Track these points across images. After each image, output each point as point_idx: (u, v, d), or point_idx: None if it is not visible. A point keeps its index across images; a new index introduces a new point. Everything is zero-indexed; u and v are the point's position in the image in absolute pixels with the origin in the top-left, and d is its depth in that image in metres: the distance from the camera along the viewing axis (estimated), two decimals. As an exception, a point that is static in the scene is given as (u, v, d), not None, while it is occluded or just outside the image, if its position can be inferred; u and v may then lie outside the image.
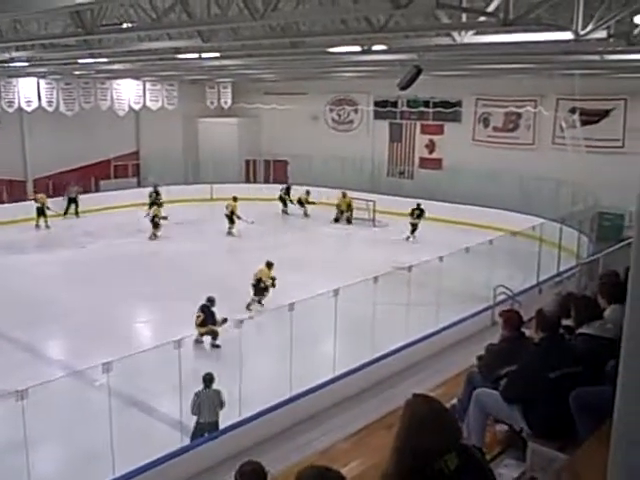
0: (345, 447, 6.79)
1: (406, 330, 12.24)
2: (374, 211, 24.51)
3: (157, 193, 25.57)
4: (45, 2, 6.66)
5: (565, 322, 5.38)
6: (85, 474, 7.69)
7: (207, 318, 12.93)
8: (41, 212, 23.88)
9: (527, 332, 5.87)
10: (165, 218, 22.48)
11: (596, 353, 4.79)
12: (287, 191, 26.99)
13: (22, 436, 7.39)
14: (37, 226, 23.82)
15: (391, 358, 11.34)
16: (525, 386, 4.85)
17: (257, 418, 9.29)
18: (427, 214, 22.35)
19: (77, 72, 21.78)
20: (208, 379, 9.29)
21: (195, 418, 9.23)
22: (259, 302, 15.21)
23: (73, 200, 25.91)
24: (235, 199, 23.67)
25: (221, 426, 9.20)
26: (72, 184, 26.18)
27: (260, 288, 15.24)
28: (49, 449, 7.94)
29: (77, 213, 25.87)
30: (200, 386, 9.25)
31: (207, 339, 13.06)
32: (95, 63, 17.00)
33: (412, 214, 22.25)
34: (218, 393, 9.24)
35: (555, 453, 4.48)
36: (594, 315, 5.23)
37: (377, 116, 28.38)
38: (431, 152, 27.21)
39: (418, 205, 22.45)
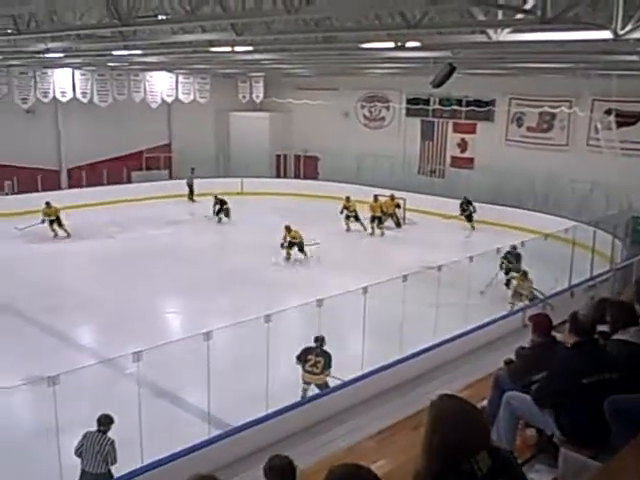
0: (371, 445, 6.77)
1: (434, 330, 12.16)
2: (404, 209, 24.39)
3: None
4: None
5: (600, 328, 5.29)
6: (112, 462, 7.77)
7: (326, 364, 10.34)
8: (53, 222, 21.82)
9: (558, 336, 5.78)
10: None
11: (633, 360, 4.69)
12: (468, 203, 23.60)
13: (53, 421, 7.49)
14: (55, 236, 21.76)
15: (419, 358, 11.25)
16: (557, 391, 4.77)
17: (283, 413, 9.28)
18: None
19: (111, 64, 21.99)
20: (102, 422, 7.83)
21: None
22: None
23: (190, 185, 27.01)
24: (348, 199, 23.18)
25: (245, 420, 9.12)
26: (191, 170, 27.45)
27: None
28: (79, 435, 8.03)
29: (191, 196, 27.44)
30: (234, 377, 9.00)
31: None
32: (129, 55, 17.14)
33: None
34: (108, 443, 7.73)
35: (588, 460, 4.40)
36: (630, 321, 5.12)
37: (409, 113, 28.19)
38: (463, 151, 26.98)
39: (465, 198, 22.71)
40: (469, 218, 23.18)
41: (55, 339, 13.03)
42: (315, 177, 29.97)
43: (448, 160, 27.46)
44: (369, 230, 22.59)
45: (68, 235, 21.52)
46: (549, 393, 4.80)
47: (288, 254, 18.92)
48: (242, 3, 9.88)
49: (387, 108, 29.06)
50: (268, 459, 4.45)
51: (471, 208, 23.14)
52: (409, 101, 28.00)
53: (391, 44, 12.45)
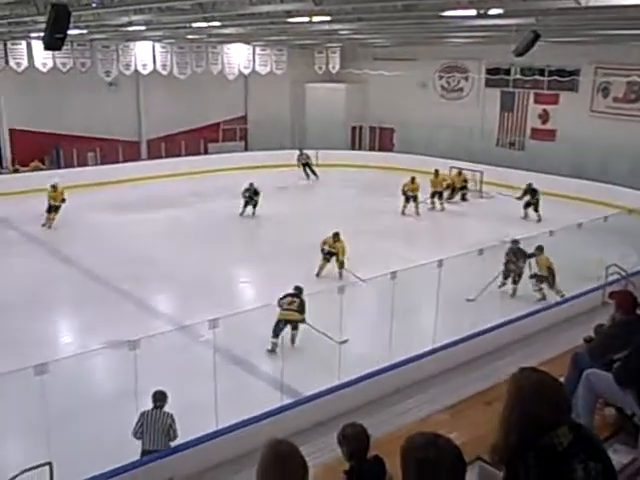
0: (443, 418, 6.72)
1: (511, 305, 11.95)
2: (481, 182, 23.90)
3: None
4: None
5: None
6: (189, 424, 8.00)
7: (301, 306, 11.03)
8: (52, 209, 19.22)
9: (642, 314, 5.57)
10: None
11: None
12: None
13: (133, 384, 7.76)
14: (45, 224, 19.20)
15: (494, 332, 11.08)
16: (641, 370, 4.61)
17: (356, 383, 9.34)
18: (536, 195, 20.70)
19: (190, 36, 22.29)
20: (157, 398, 7.74)
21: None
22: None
23: (306, 165, 26.66)
24: (413, 180, 21.13)
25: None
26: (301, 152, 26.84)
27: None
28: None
29: (315, 174, 26.69)
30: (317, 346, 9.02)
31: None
32: (208, 27, 17.33)
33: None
34: (168, 417, 7.64)
35: (671, 442, 4.25)
36: None
37: (488, 84, 27.50)
38: (544, 122, 26.14)
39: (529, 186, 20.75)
40: (535, 208, 20.49)
41: (134, 306, 13.45)
42: (391, 149, 29.69)
43: (528, 132, 26.68)
44: (429, 205, 21.80)
45: (49, 227, 19.02)
46: (632, 372, 4.65)
47: (321, 267, 15.25)
48: (320, -29, 9.83)
49: (466, 79, 28.40)
50: (342, 427, 4.47)
51: (538, 197, 20.56)
52: (489, 71, 27.30)
53: (473, 11, 12.14)
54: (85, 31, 18.01)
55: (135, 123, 28.18)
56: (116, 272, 15.04)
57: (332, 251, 15.28)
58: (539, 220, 20.15)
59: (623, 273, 13.36)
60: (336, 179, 26.17)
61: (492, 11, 12.18)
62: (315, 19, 14.28)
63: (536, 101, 26.32)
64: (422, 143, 27.11)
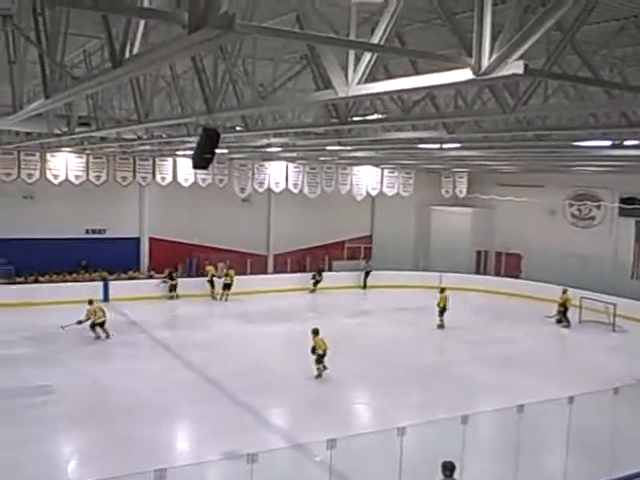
0: None
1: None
2: (614, 315, 22.65)
3: None
4: (306, 96, 7.32)
5: None
6: None
7: None
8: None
9: None
10: None
11: None
12: None
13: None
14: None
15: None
16: None
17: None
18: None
19: (322, 158, 23.33)
20: (450, 467, 8.67)
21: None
22: None
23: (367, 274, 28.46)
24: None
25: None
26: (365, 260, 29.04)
27: None
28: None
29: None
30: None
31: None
32: (341, 150, 18.11)
33: None
34: None
35: None
36: None
37: (622, 213, 26.65)
38: (684, 256, 24.82)
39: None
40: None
41: (251, 417, 13.49)
42: (517, 275, 29.00)
43: (666, 265, 25.37)
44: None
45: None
46: None
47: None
48: (454, 102, 10.15)
49: (598, 207, 27.69)
50: None
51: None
52: (623, 200, 26.51)
53: (607, 142, 12.01)
54: (226, 150, 19.31)
55: (264, 237, 29.41)
56: (237, 382, 15.26)
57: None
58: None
59: None
60: (459, 303, 25.68)
61: (628, 142, 11.98)
62: (445, 145, 14.60)
63: (675, 233, 25.17)
64: (551, 271, 26.26)
